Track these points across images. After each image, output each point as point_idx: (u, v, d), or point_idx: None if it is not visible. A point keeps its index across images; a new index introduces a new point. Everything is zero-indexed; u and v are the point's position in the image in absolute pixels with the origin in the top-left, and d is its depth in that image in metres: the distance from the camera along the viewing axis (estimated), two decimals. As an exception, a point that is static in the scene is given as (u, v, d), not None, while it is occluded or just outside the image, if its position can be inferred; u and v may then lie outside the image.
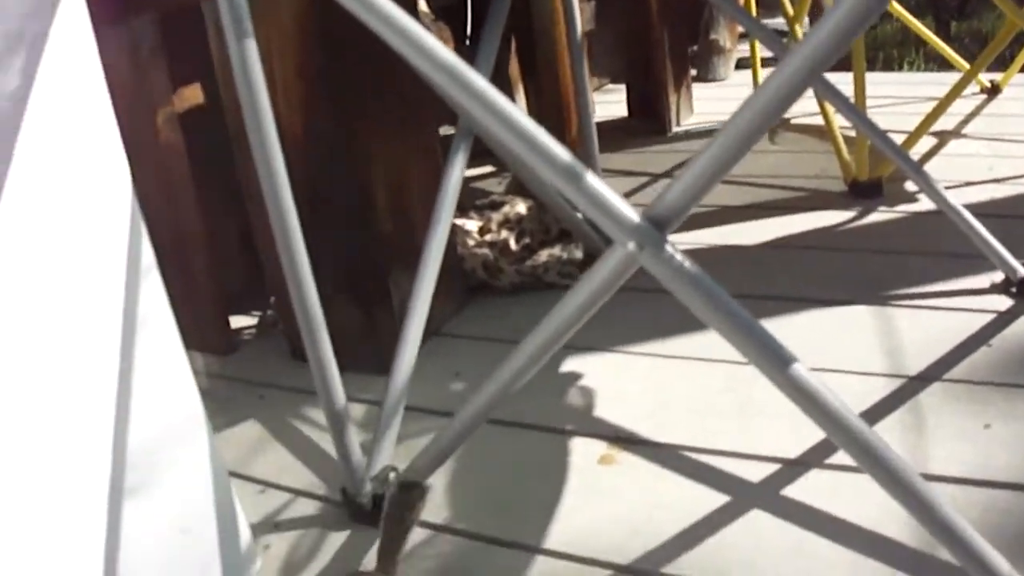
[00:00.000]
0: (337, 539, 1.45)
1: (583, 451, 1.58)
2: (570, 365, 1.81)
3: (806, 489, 1.43)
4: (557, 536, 1.39)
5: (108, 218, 1.07)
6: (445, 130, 2.37)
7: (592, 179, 1.07)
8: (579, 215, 2.16)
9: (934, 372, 1.67)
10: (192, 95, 2.13)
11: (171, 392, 1.17)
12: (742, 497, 1.42)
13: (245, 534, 1.31)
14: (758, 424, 1.57)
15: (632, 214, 1.06)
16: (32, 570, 1.01)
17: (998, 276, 1.92)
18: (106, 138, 1.07)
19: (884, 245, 2.22)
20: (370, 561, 1.36)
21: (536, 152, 1.08)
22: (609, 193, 1.07)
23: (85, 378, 1.05)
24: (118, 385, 1.08)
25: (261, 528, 1.48)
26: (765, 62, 3.53)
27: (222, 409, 1.82)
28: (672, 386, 1.72)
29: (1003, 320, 1.81)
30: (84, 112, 1.04)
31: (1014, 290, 1.89)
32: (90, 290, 1.05)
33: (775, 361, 1.08)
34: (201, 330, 2.03)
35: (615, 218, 1.07)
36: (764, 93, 1.00)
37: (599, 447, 1.58)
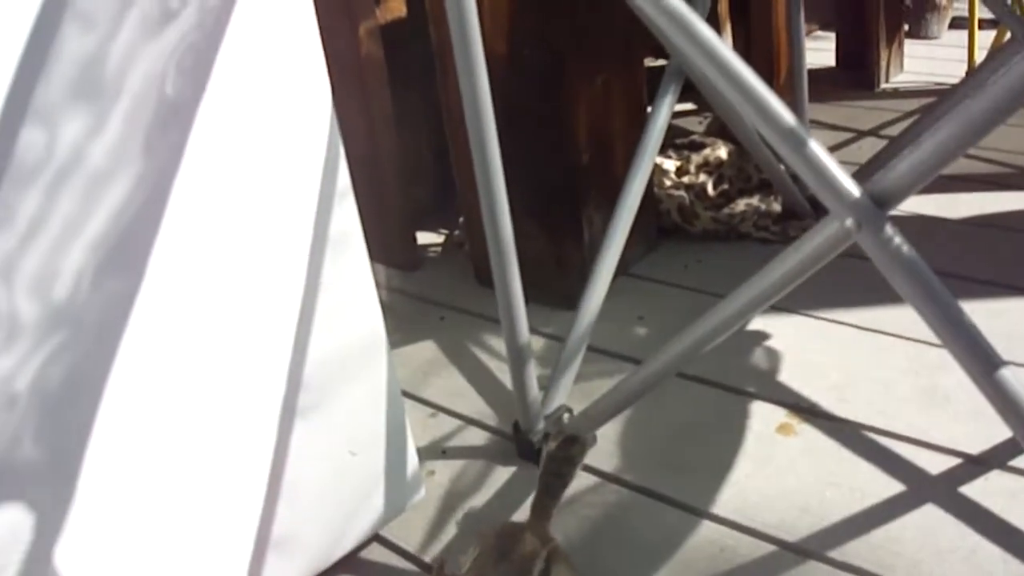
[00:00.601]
0: (503, 474, 1.46)
1: (762, 416, 1.55)
2: (758, 324, 1.77)
3: (986, 491, 1.37)
4: (726, 502, 1.38)
5: (308, 137, 1.08)
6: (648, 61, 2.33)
7: (814, 146, 1.02)
8: (782, 167, 2.10)
9: None
10: (396, 7, 2.14)
11: (355, 311, 1.18)
12: (918, 489, 1.38)
13: (412, 460, 1.33)
14: (942, 413, 1.51)
15: (853, 188, 1.01)
16: (198, 487, 1.06)
17: None
18: (309, 53, 1.06)
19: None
20: (527, 509, 1.38)
21: (757, 109, 1.04)
22: (830, 162, 1.02)
23: (272, 297, 1.07)
24: (302, 304, 1.10)
25: (427, 453, 1.50)
26: (983, 24, 3.33)
27: (400, 326, 1.84)
28: (859, 360, 1.67)
29: None
30: (287, 25, 1.03)
31: None
32: (284, 209, 1.06)
33: (982, 362, 1.03)
34: (387, 244, 2.06)
35: (835, 190, 1.02)
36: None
37: (779, 414, 1.55)
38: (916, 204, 2.19)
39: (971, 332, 1.03)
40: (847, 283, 1.65)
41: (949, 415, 1.50)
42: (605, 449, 1.48)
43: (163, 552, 1.05)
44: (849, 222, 1.02)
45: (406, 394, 1.29)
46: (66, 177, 0.86)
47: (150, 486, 1.01)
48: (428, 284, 2.06)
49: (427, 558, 1.33)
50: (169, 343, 0.98)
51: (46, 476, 0.93)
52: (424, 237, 2.24)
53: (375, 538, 1.36)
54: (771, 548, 1.30)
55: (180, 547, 1.06)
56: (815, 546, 1.29)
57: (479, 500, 1.42)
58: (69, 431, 0.93)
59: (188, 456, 1.04)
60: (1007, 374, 1.03)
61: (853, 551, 1.28)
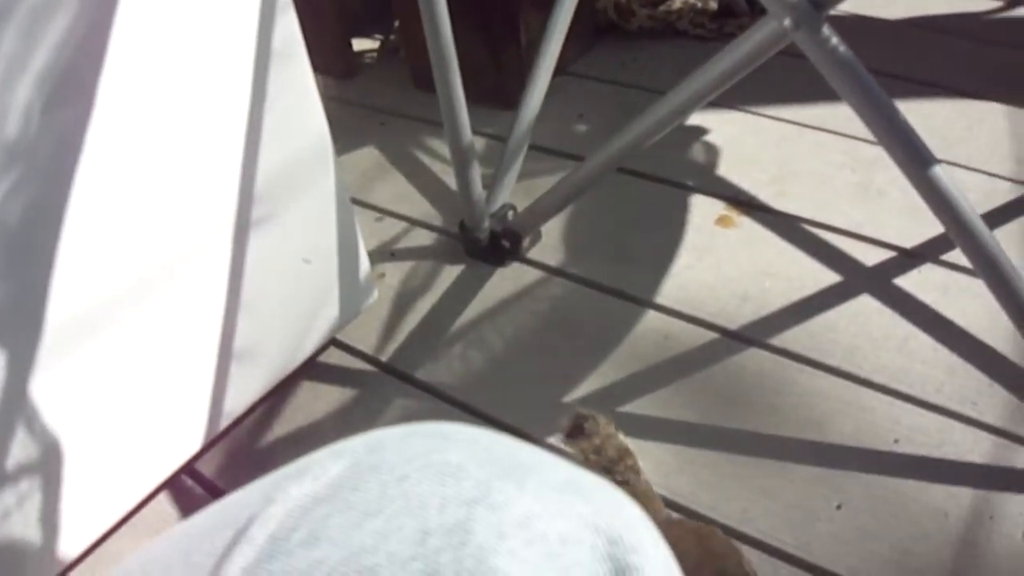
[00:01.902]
0: (451, 272, 1.49)
1: (702, 209, 1.58)
2: (697, 119, 1.78)
3: (918, 283, 1.43)
4: (668, 292, 1.42)
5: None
6: None
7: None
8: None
9: (1062, 186, 1.63)
10: None
11: (301, 121, 1.18)
12: (854, 280, 1.43)
13: (364, 264, 1.34)
14: (877, 208, 1.55)
15: (791, -10, 1.02)
16: (160, 307, 1.06)
17: None
18: None
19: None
20: (477, 304, 1.41)
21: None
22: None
23: (219, 113, 1.06)
24: (249, 119, 1.09)
25: (377, 256, 1.51)
26: None
27: (342, 134, 1.80)
28: (796, 155, 1.69)
29: None
30: None
31: None
32: (226, 24, 1.03)
33: (915, 159, 1.07)
34: (323, 53, 2.02)
35: (775, -9, 1.03)
36: None
37: (718, 207, 1.58)
38: (854, 4, 2.20)
39: (904, 130, 1.06)
40: (786, 80, 1.67)
41: (884, 210, 1.54)
42: (550, 244, 1.50)
43: (130, 376, 1.06)
44: (787, 22, 1.03)
45: (353, 200, 1.29)
46: (5, 16, 0.84)
47: (116, 312, 1.02)
48: (366, 91, 2.04)
49: (383, 358, 1.36)
50: (123, 168, 0.97)
51: (13, 310, 0.93)
52: (359, 44, 2.20)
53: (332, 342, 1.38)
54: (713, 335, 1.35)
55: (146, 369, 1.08)
56: (755, 333, 1.34)
57: (431, 299, 1.45)
58: (33, 264, 0.93)
59: (150, 278, 1.04)
60: (939, 171, 1.06)
61: (791, 338, 1.34)
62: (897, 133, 1.07)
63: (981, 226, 1.09)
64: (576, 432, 1.07)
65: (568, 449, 1.08)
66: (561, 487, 0.44)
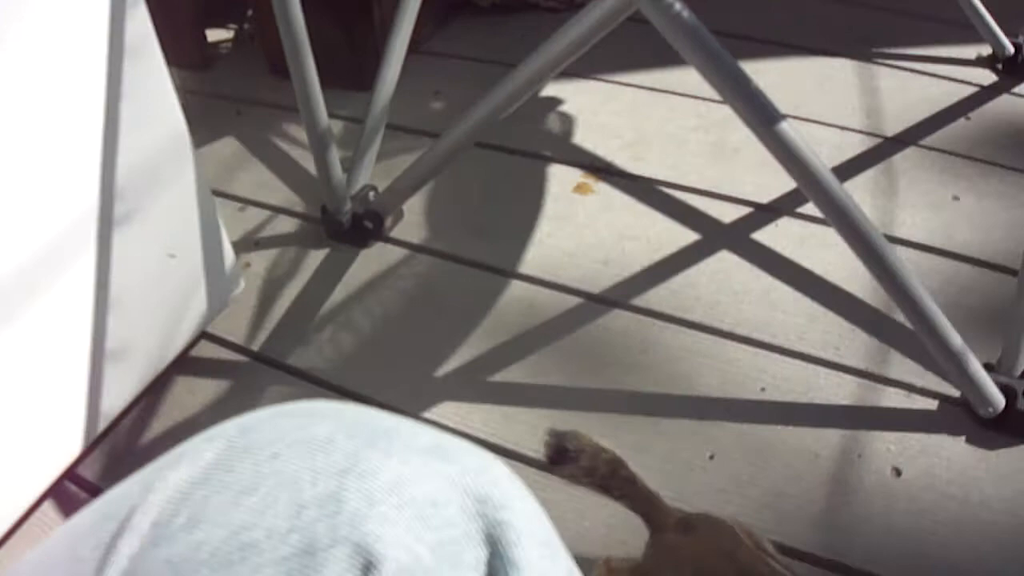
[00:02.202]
0: (316, 257, 1.48)
1: (560, 178, 1.60)
2: (551, 90, 1.79)
3: (775, 236, 1.47)
4: (532, 261, 1.43)
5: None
6: None
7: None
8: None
9: (910, 136, 1.69)
10: None
11: (158, 115, 1.16)
12: (712, 237, 1.46)
13: (228, 255, 1.33)
14: (732, 166, 1.59)
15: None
16: (27, 311, 1.04)
17: (986, 50, 1.90)
18: None
19: (879, 1, 2.19)
20: (344, 286, 1.40)
21: None
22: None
23: (75, 110, 1.03)
24: (105, 115, 1.07)
25: (241, 246, 1.50)
26: None
27: (200, 126, 1.78)
28: (650, 119, 1.72)
29: (984, 95, 1.81)
30: None
31: (1000, 67, 1.87)
32: (78, 20, 1.01)
33: (761, 115, 1.09)
34: (177, 45, 1.98)
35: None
36: None
37: (575, 175, 1.60)
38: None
39: (750, 89, 1.08)
40: (637, 46, 1.69)
41: (738, 168, 1.58)
42: (412, 222, 1.51)
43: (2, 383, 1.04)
44: (630, -12, 1.04)
45: (214, 192, 1.28)
46: None
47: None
48: (222, 81, 2.01)
49: (255, 347, 1.36)
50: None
51: None
52: (214, 34, 2.16)
53: (203, 335, 1.37)
54: (577, 300, 1.37)
55: (15, 377, 1.05)
56: (618, 295, 1.37)
57: (297, 284, 1.44)
58: None
59: (15, 281, 1.01)
60: (786, 128, 1.08)
61: (654, 297, 1.36)
62: (743, 93, 1.09)
63: (830, 178, 1.11)
64: (559, 457, 1.03)
65: (557, 476, 1.04)
66: (427, 451, 0.45)
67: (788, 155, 1.09)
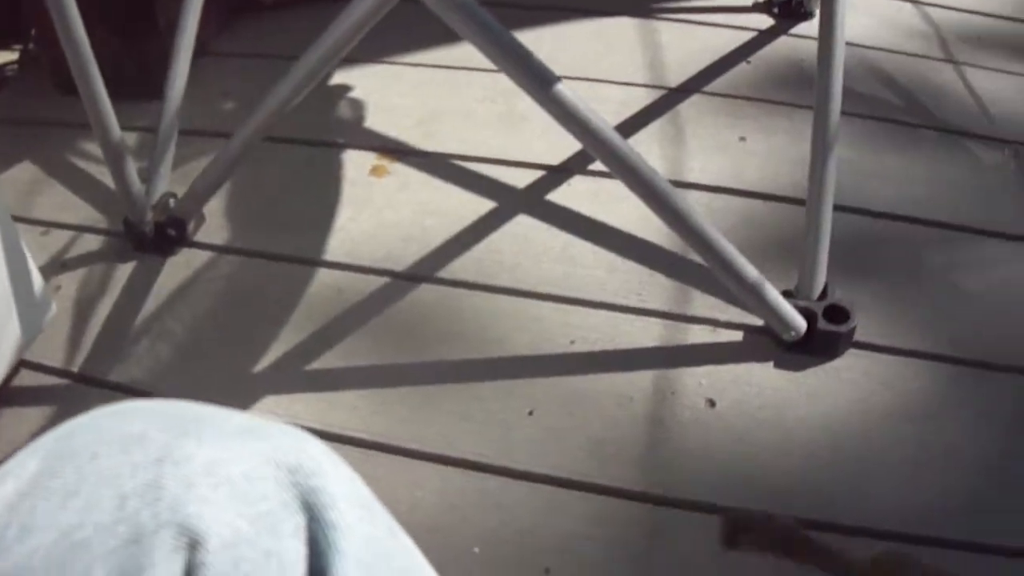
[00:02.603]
0: (124, 270, 1.48)
1: (355, 163, 1.62)
2: (339, 78, 1.81)
3: (568, 195, 1.53)
4: (335, 248, 1.46)
5: None
6: None
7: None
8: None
9: (694, 85, 1.76)
10: None
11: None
12: (508, 203, 1.52)
13: (37, 280, 1.31)
14: (521, 133, 1.64)
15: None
16: None
17: (762, -3, 1.97)
18: None
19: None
20: (162, 288, 1.42)
21: None
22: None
23: None
24: None
25: (49, 270, 1.49)
26: None
27: (-8, 154, 1.77)
28: (438, 96, 1.75)
29: (763, 39, 1.89)
30: None
31: (776, 11, 1.95)
32: None
33: (537, 82, 1.13)
34: (-41, 70, 1.94)
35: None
36: None
37: (370, 158, 1.62)
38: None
39: (522, 55, 1.12)
40: (418, 27, 1.72)
41: (528, 133, 1.63)
42: (215, 224, 1.52)
43: None
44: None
45: (15, 218, 1.27)
46: None
47: None
48: (12, 105, 1.96)
49: (75, 368, 1.35)
50: None
51: None
52: (-1, 57, 2.12)
53: (21, 364, 1.35)
54: (384, 280, 1.41)
55: None
56: (423, 270, 1.41)
57: (108, 302, 1.44)
58: None
59: None
60: (562, 90, 1.13)
61: (458, 267, 1.41)
62: (517, 61, 1.13)
63: (611, 134, 1.17)
64: (738, 534, 1.08)
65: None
66: (237, 433, 0.47)
67: (568, 116, 1.14)
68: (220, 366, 1.32)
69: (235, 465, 0.45)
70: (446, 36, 1.72)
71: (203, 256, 1.46)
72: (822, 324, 1.30)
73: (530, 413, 1.25)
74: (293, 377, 1.30)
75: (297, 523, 0.45)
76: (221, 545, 0.42)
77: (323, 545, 0.44)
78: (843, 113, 1.31)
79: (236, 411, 0.50)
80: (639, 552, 1.12)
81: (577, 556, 1.11)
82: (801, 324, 1.29)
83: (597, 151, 1.20)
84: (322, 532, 0.45)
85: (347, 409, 1.25)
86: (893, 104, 1.75)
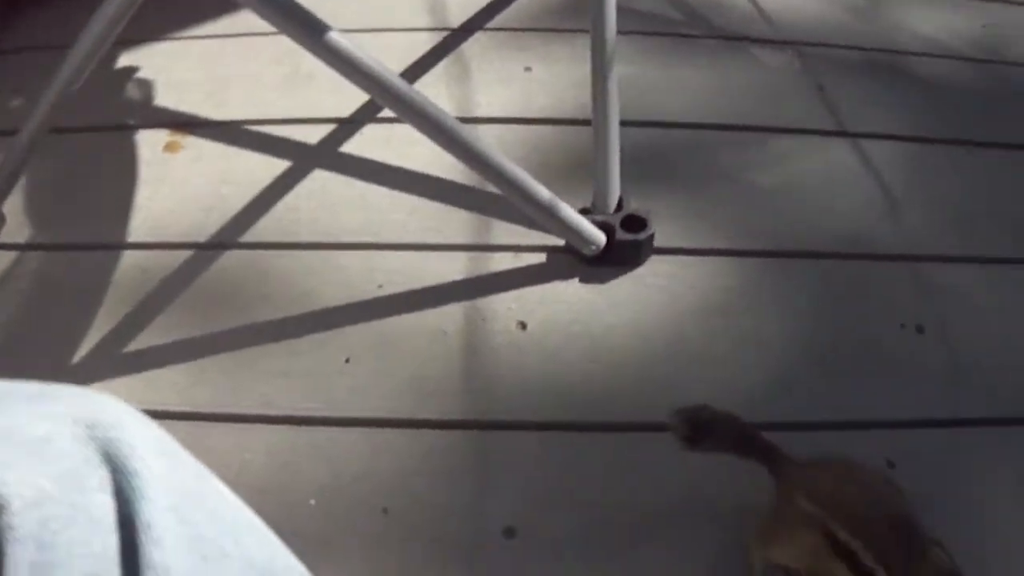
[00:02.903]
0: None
1: (148, 142, 1.61)
2: (125, 60, 1.78)
3: (361, 145, 1.57)
4: (138, 228, 1.47)
5: None
6: None
7: None
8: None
9: (476, 22, 1.80)
10: None
11: None
12: (304, 160, 1.55)
13: None
14: (309, 91, 1.66)
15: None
16: None
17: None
18: None
19: None
20: None
21: None
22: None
23: None
24: None
25: None
26: None
27: None
28: (225, 66, 1.75)
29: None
30: None
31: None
32: None
33: (309, 33, 1.15)
34: None
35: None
36: None
37: (163, 136, 1.62)
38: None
39: (293, 9, 1.14)
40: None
41: (316, 91, 1.66)
42: (16, 222, 1.50)
43: None
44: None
45: None
46: None
47: None
48: None
49: None
50: None
51: None
52: None
53: None
54: (188, 253, 1.43)
55: None
56: (226, 237, 1.44)
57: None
58: None
59: None
60: (339, 39, 1.15)
61: (261, 230, 1.45)
62: (286, 14, 1.14)
63: (394, 79, 1.20)
64: (696, 434, 1.06)
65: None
66: (32, 399, 0.49)
67: (349, 67, 1.17)
68: (38, 364, 1.32)
69: (32, 428, 0.45)
70: (228, 5, 1.74)
71: (7, 257, 1.45)
72: (620, 234, 1.37)
73: (347, 361, 1.29)
74: (111, 362, 1.32)
75: (102, 476, 0.45)
76: (24, 506, 0.42)
77: (129, 494, 0.45)
78: (625, 32, 1.37)
79: (31, 381, 0.51)
80: (469, 478, 1.18)
81: (412, 493, 1.16)
82: (600, 237, 1.35)
83: (382, 98, 1.24)
84: (127, 481, 0.45)
85: (167, 385, 1.28)
86: (674, 19, 1.82)
